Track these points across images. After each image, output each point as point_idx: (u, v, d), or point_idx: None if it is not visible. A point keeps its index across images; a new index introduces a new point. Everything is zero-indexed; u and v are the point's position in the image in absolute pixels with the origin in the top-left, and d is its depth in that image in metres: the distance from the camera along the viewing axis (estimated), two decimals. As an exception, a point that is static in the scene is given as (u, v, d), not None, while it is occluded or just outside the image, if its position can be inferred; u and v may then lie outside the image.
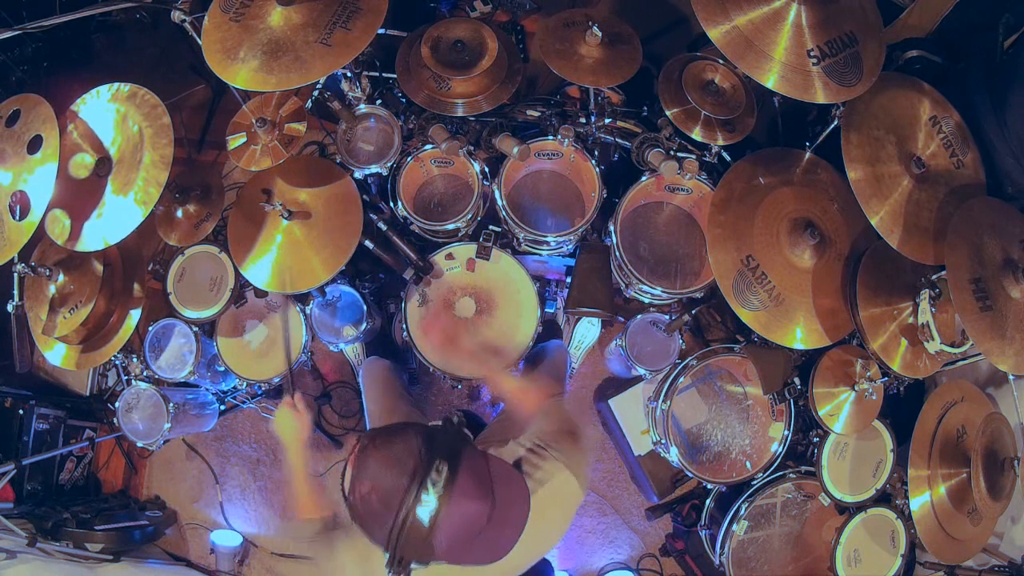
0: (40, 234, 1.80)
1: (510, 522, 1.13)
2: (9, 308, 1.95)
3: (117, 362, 2.27)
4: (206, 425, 2.50)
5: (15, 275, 1.92)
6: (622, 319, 2.53)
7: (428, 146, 2.12)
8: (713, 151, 2.09)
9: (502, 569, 1.27)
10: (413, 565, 1.09)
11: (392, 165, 2.10)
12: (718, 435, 2.28)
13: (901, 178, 1.82)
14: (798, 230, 1.91)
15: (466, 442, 1.12)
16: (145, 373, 2.26)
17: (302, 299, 2.28)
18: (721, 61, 2.03)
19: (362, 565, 1.26)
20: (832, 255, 1.95)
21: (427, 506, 1.01)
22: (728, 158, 2.14)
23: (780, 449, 2.18)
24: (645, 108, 2.21)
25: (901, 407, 2.17)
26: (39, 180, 1.74)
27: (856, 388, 1.98)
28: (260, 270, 2.05)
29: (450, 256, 2.18)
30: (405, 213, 2.11)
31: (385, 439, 1.09)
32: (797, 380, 2.09)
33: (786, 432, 2.17)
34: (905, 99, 1.89)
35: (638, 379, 2.50)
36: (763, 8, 1.71)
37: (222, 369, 2.31)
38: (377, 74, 2.19)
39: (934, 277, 1.82)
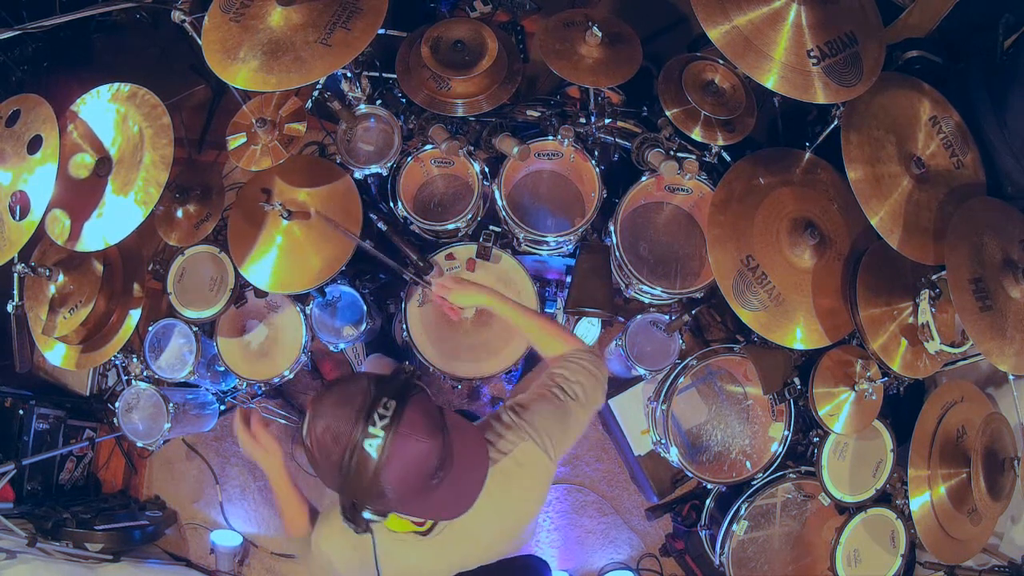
0: (40, 234, 1.80)
1: (466, 473, 1.11)
2: (9, 308, 1.95)
3: (117, 362, 2.27)
4: (206, 425, 2.49)
5: (15, 275, 1.92)
6: (622, 319, 2.53)
7: (428, 146, 2.13)
8: (713, 151, 2.09)
9: (480, 545, 1.29)
10: (369, 515, 1.09)
11: (392, 165, 2.10)
12: (718, 435, 2.29)
13: (901, 178, 1.82)
14: (798, 230, 1.91)
15: (415, 386, 1.12)
16: (145, 373, 2.25)
17: (302, 299, 2.28)
18: (721, 61, 2.03)
19: (352, 547, 1.25)
20: (832, 255, 1.95)
21: (374, 439, 1.01)
22: (728, 158, 2.14)
23: (780, 449, 2.18)
24: (645, 108, 2.21)
25: (901, 407, 2.17)
26: (39, 180, 1.74)
27: (856, 388, 1.98)
28: (260, 270, 2.05)
29: (450, 256, 2.18)
30: (405, 213, 2.11)
31: (339, 383, 1.11)
32: (797, 380, 2.09)
33: (786, 432, 2.17)
34: (905, 99, 1.89)
35: (638, 379, 2.50)
36: (763, 8, 1.71)
37: (222, 369, 2.31)
38: (377, 74, 2.19)
39: (934, 277, 1.82)
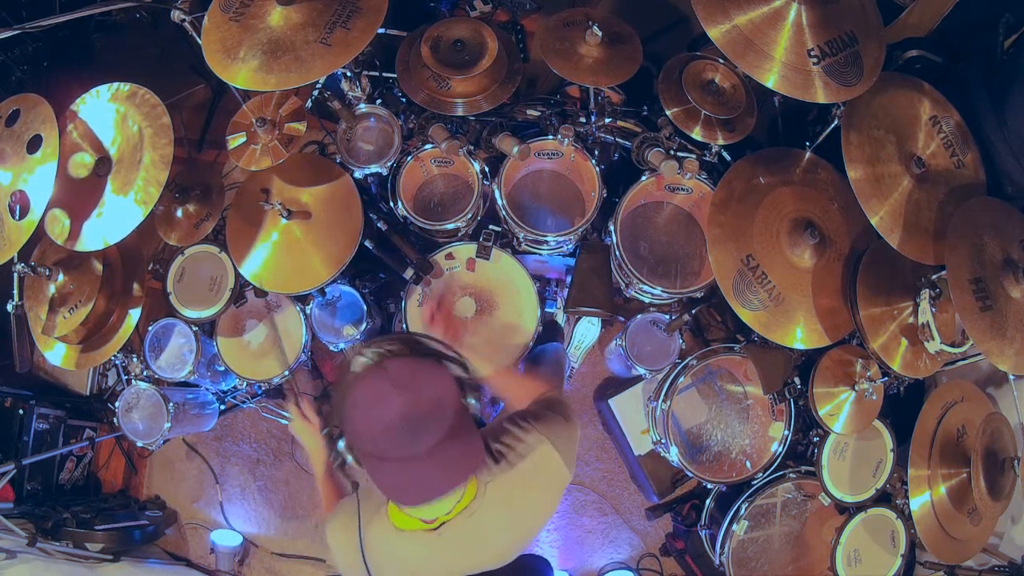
0: (40, 234, 1.80)
1: (439, 474, 1.07)
2: (9, 308, 1.95)
3: (117, 362, 2.27)
4: (206, 425, 2.49)
5: (15, 275, 1.92)
6: (622, 319, 2.53)
7: (428, 146, 2.12)
8: (713, 151, 2.09)
9: (490, 548, 1.27)
10: (351, 459, 1.15)
11: (392, 165, 2.11)
12: (718, 435, 2.28)
13: (901, 178, 1.82)
14: (798, 230, 1.91)
15: (444, 369, 1.12)
16: (145, 373, 2.26)
17: (302, 299, 2.28)
18: (721, 61, 2.03)
19: (350, 541, 1.25)
20: (832, 255, 1.94)
21: (361, 357, 1.08)
22: (728, 158, 2.14)
23: (780, 449, 2.18)
24: (645, 108, 2.21)
25: (901, 407, 2.17)
26: (39, 180, 1.74)
27: (856, 388, 1.98)
28: (259, 270, 2.05)
29: (450, 256, 2.18)
30: (405, 213, 2.11)
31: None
32: (797, 380, 2.09)
33: (786, 432, 2.17)
34: (905, 99, 1.89)
35: (638, 379, 2.50)
36: (763, 8, 1.71)
37: (222, 369, 2.31)
38: (377, 74, 2.19)
39: (934, 277, 1.82)
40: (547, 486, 1.28)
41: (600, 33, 1.91)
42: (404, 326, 2.14)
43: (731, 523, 2.13)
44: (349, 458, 1.16)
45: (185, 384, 2.42)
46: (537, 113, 2.19)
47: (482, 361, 1.59)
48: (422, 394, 1.04)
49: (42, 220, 1.75)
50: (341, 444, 1.16)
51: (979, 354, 1.91)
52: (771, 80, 1.69)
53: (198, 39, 1.78)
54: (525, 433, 1.27)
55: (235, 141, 2.02)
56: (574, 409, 1.44)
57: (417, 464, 1.04)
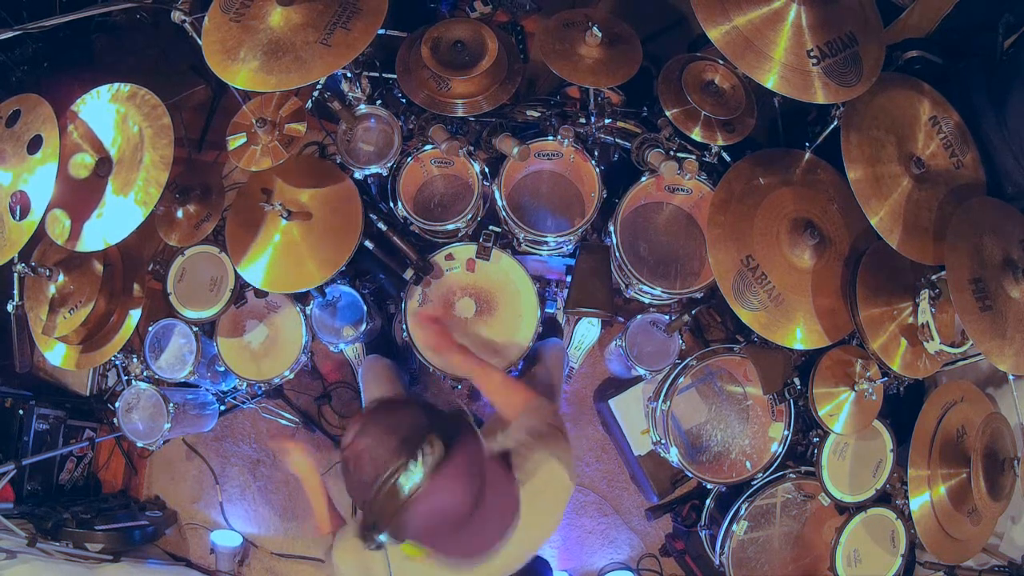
0: (40, 234, 1.81)
1: (492, 526, 1.11)
2: (9, 308, 1.95)
3: (117, 362, 2.27)
4: (206, 425, 2.50)
5: (15, 275, 1.92)
6: (622, 319, 2.53)
7: (428, 146, 2.13)
8: (713, 151, 2.09)
9: (497, 565, 1.28)
10: (386, 539, 1.07)
11: (392, 165, 2.11)
12: (718, 435, 2.29)
13: (901, 178, 1.82)
14: (798, 230, 1.91)
15: (469, 430, 1.11)
16: (145, 373, 2.26)
17: (302, 299, 2.28)
18: (721, 61, 2.03)
19: (363, 566, 1.26)
20: (832, 255, 1.95)
21: (411, 477, 1.00)
22: (728, 158, 2.14)
23: (780, 449, 2.18)
24: (645, 108, 2.22)
25: (901, 407, 2.17)
26: (39, 180, 1.75)
27: (856, 388, 1.98)
28: (259, 270, 2.05)
29: (450, 256, 2.18)
30: (405, 213, 2.11)
31: (391, 407, 1.11)
32: (797, 380, 2.09)
33: (786, 432, 2.17)
34: (905, 99, 1.89)
35: (638, 379, 2.50)
36: (763, 8, 1.71)
37: (222, 369, 2.31)
38: (377, 74, 2.20)
39: (934, 277, 1.82)
40: (555, 500, 1.30)
41: (600, 34, 1.91)
42: (404, 326, 2.14)
43: (731, 523, 2.13)
44: (383, 537, 1.08)
45: (185, 384, 2.42)
46: (537, 114, 2.20)
47: (474, 363, 1.60)
48: (477, 478, 1.05)
49: (42, 220, 1.75)
50: (383, 537, 1.07)
51: (979, 354, 1.91)
52: (770, 81, 1.69)
53: (198, 40, 1.78)
54: (531, 451, 1.27)
55: (235, 142, 2.02)
56: (560, 416, 1.43)
57: (475, 523, 1.07)
